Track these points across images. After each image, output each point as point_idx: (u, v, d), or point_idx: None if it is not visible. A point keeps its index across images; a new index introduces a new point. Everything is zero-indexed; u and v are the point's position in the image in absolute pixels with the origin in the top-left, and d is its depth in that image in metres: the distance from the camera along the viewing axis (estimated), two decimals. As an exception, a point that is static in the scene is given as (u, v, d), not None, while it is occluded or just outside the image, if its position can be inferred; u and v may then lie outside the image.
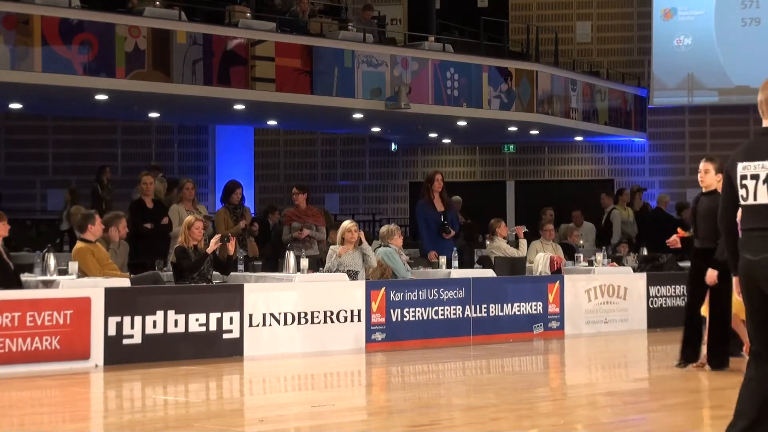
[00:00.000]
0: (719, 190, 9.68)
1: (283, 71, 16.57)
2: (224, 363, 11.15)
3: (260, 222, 16.06)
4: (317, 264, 13.45)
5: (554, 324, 14.31)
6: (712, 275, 10.26)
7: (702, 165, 10.52)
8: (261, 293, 11.95)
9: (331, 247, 13.28)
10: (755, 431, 5.38)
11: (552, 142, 23.21)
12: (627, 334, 14.84)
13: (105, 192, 16.98)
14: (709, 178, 10.46)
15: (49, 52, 14.47)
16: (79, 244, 11.77)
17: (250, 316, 11.72)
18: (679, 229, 11.43)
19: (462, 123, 19.66)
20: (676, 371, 10.55)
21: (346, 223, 13.23)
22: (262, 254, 15.00)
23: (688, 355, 10.74)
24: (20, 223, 17.20)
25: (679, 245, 11.38)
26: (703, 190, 10.55)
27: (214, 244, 12.15)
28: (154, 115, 19.48)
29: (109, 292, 10.83)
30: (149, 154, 22.43)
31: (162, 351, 11.03)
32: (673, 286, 15.45)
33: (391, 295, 12.78)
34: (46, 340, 10.34)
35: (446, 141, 23.39)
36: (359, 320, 12.53)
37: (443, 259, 14.27)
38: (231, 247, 12.44)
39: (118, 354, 10.80)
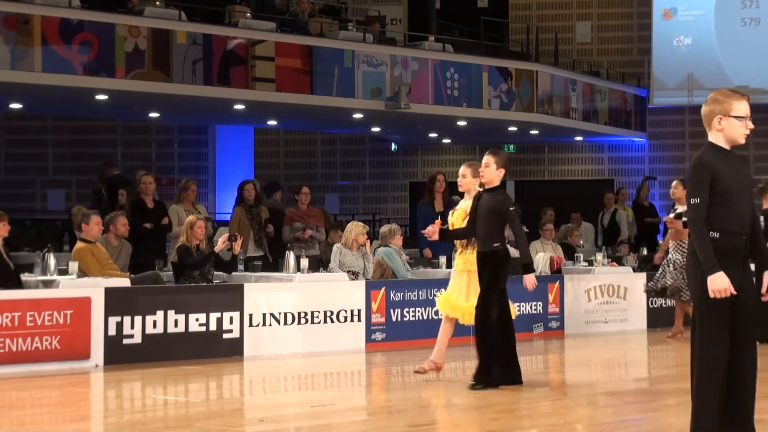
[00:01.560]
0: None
1: (283, 71, 16.56)
2: (224, 363, 11.15)
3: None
4: (317, 264, 13.46)
5: (554, 324, 14.32)
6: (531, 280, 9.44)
7: (484, 158, 9.37)
8: (261, 293, 11.95)
9: (336, 245, 13.29)
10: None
11: (552, 142, 23.20)
12: (627, 334, 14.84)
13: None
14: (490, 172, 9.32)
15: (49, 52, 14.47)
16: (79, 244, 11.77)
17: (250, 316, 11.73)
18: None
19: (462, 123, 19.66)
20: (676, 371, 10.54)
21: (359, 227, 13.17)
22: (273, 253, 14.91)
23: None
24: (20, 223, 17.18)
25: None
26: (486, 186, 9.43)
27: (221, 244, 12.15)
28: (154, 115, 19.47)
29: (109, 292, 10.83)
30: (149, 154, 22.43)
31: (162, 351, 11.03)
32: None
33: (391, 295, 12.78)
34: (46, 340, 10.34)
35: (446, 141, 23.38)
36: (359, 320, 12.53)
37: (443, 259, 14.26)
38: (237, 247, 12.46)
39: (118, 354, 10.80)
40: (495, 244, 9.32)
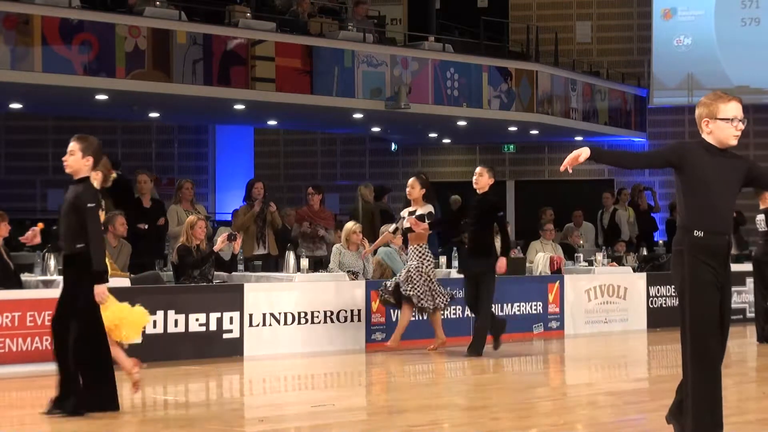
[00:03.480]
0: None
1: (283, 71, 16.56)
2: (224, 363, 11.15)
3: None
4: (321, 264, 13.49)
5: (554, 324, 14.32)
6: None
7: (477, 169, 11.83)
8: (261, 293, 11.95)
9: (336, 245, 13.30)
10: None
11: (552, 142, 23.20)
12: (627, 334, 14.85)
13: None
14: (483, 180, 11.73)
15: (49, 52, 14.47)
16: (79, 244, 11.74)
17: (250, 316, 11.73)
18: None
19: (462, 123, 19.66)
20: (676, 371, 10.54)
21: (351, 225, 13.25)
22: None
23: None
24: (20, 223, 17.17)
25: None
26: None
27: (221, 243, 12.15)
28: (154, 115, 19.48)
29: (109, 292, 10.79)
30: (149, 154, 22.43)
31: (162, 351, 11.02)
32: (673, 286, 15.43)
33: (391, 295, 12.76)
34: (46, 340, 10.33)
35: (446, 141, 23.38)
36: (359, 320, 12.54)
37: (443, 259, 14.29)
38: (237, 246, 12.45)
39: (118, 354, 10.78)
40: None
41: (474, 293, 11.84)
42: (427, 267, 11.89)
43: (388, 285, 12.06)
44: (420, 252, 11.94)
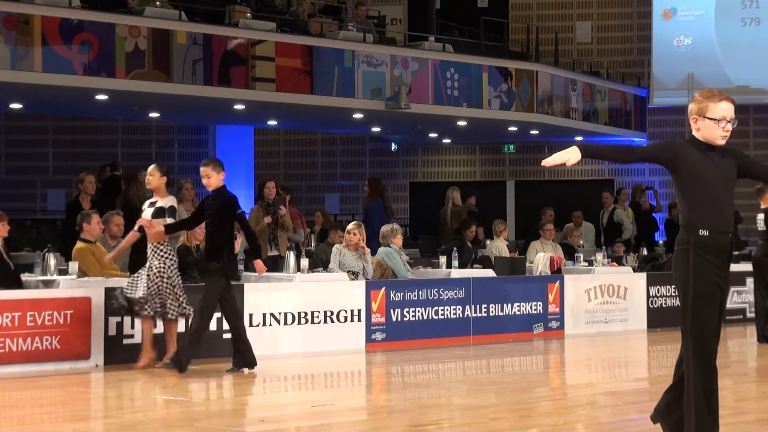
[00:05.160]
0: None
1: (283, 71, 16.56)
2: (224, 363, 11.14)
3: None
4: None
5: (554, 324, 14.32)
6: None
7: (203, 170, 10.35)
8: (261, 293, 11.96)
9: (336, 245, 13.29)
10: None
11: (552, 142, 23.19)
12: (627, 334, 14.85)
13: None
14: (213, 177, 10.35)
15: (50, 52, 14.47)
16: (79, 244, 11.77)
17: (251, 315, 11.73)
18: None
19: (462, 123, 19.66)
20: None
21: (350, 225, 13.24)
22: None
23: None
24: (20, 223, 17.19)
25: None
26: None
27: None
28: (154, 115, 19.47)
29: (109, 292, 10.83)
30: (149, 154, 22.43)
31: (162, 351, 11.01)
32: (673, 286, 15.42)
33: (391, 295, 12.78)
34: (46, 340, 10.34)
35: (446, 141, 23.39)
36: (359, 320, 12.54)
37: (443, 259, 14.28)
38: (237, 245, 12.44)
39: (118, 354, 10.80)
40: None
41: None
42: (170, 270, 10.50)
43: (126, 290, 10.55)
44: (161, 252, 10.51)
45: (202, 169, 10.39)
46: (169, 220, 10.58)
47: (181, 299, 10.53)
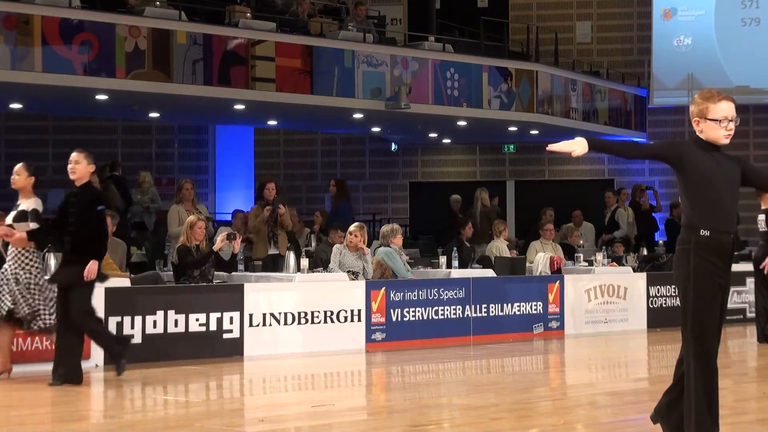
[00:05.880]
0: (94, 184, 10.03)
1: (283, 71, 16.56)
2: (224, 363, 11.15)
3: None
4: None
5: (554, 324, 14.32)
6: None
7: (73, 155, 9.58)
8: (261, 293, 11.96)
9: (336, 245, 13.29)
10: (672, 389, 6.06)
11: (552, 142, 23.11)
12: (627, 334, 14.85)
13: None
14: (81, 169, 9.52)
15: (50, 52, 14.47)
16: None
17: (251, 316, 11.73)
18: None
19: (462, 123, 19.66)
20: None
21: (351, 227, 13.23)
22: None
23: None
24: (20, 223, 17.16)
25: None
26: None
27: (220, 242, 12.16)
28: (154, 115, 19.48)
29: (109, 292, 10.83)
30: (149, 154, 22.43)
31: (162, 351, 11.03)
32: (673, 286, 15.44)
33: (391, 295, 12.78)
34: (46, 340, 10.33)
35: (446, 141, 23.39)
36: (359, 320, 12.54)
37: (443, 259, 14.28)
38: (236, 245, 12.46)
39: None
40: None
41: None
42: (36, 276, 9.64)
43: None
44: (23, 258, 9.65)
45: (73, 155, 9.60)
46: (32, 225, 9.59)
47: (51, 308, 9.61)
